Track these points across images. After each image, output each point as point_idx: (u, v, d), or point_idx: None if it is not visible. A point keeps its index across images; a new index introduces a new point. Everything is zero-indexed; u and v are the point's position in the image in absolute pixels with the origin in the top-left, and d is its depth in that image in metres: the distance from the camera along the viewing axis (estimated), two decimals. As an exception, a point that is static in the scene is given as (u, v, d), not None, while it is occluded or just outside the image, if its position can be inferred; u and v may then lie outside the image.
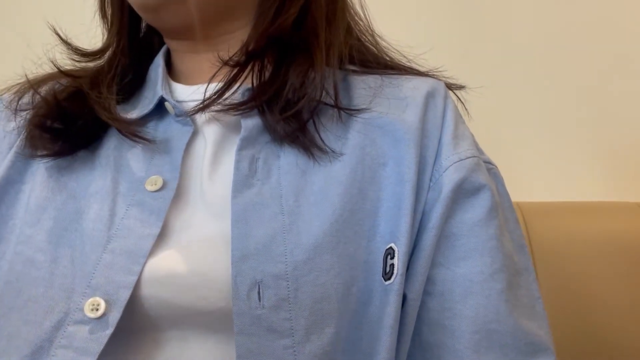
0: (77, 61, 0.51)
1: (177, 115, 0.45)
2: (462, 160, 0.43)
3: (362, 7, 0.53)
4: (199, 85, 0.46)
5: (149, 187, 0.41)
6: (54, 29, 0.49)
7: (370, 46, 0.52)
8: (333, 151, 0.42)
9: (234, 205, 0.39)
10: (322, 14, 0.46)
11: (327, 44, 0.45)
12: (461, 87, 0.52)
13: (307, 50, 0.45)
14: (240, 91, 0.44)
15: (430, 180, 0.43)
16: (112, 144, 0.45)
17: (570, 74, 0.86)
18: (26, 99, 0.48)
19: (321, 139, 0.42)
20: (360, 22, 0.53)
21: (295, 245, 0.38)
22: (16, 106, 0.47)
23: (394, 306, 0.39)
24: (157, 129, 0.46)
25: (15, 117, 0.47)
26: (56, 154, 0.44)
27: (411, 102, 0.45)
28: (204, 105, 0.43)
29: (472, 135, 0.47)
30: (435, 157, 0.44)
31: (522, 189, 0.77)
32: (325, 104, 0.43)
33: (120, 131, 0.44)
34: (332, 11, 0.47)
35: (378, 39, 0.53)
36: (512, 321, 0.41)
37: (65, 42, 0.50)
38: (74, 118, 0.45)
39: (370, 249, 0.40)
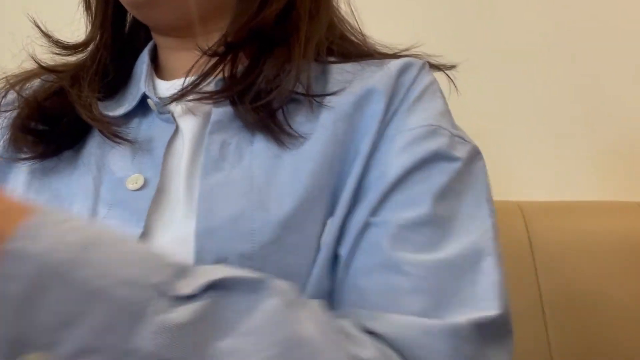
0: (58, 54, 0.49)
1: (159, 112, 0.44)
2: (411, 130, 0.41)
3: (349, 4, 0.52)
4: (177, 80, 0.45)
5: (130, 186, 0.41)
6: (34, 21, 0.48)
7: (356, 41, 0.51)
8: (302, 136, 0.41)
9: (202, 185, 0.39)
10: (305, 9, 0.45)
11: (306, 37, 0.45)
12: (452, 67, 0.50)
13: (285, 43, 0.44)
14: (214, 82, 0.43)
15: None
16: (95, 143, 0.44)
17: (570, 73, 0.85)
18: (10, 97, 0.47)
19: (289, 126, 0.41)
20: (346, 18, 0.52)
21: (263, 223, 0.37)
22: None
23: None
24: (140, 127, 0.45)
25: None
26: (40, 156, 0.43)
27: (387, 72, 0.44)
28: (179, 95, 0.42)
29: (446, 111, 0.44)
30: (388, 124, 0.41)
31: (522, 189, 0.76)
32: (297, 93, 0.42)
33: (101, 132, 0.43)
34: (316, 7, 0.47)
35: (364, 37, 0.52)
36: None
37: (46, 35, 0.48)
38: (57, 118, 0.44)
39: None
